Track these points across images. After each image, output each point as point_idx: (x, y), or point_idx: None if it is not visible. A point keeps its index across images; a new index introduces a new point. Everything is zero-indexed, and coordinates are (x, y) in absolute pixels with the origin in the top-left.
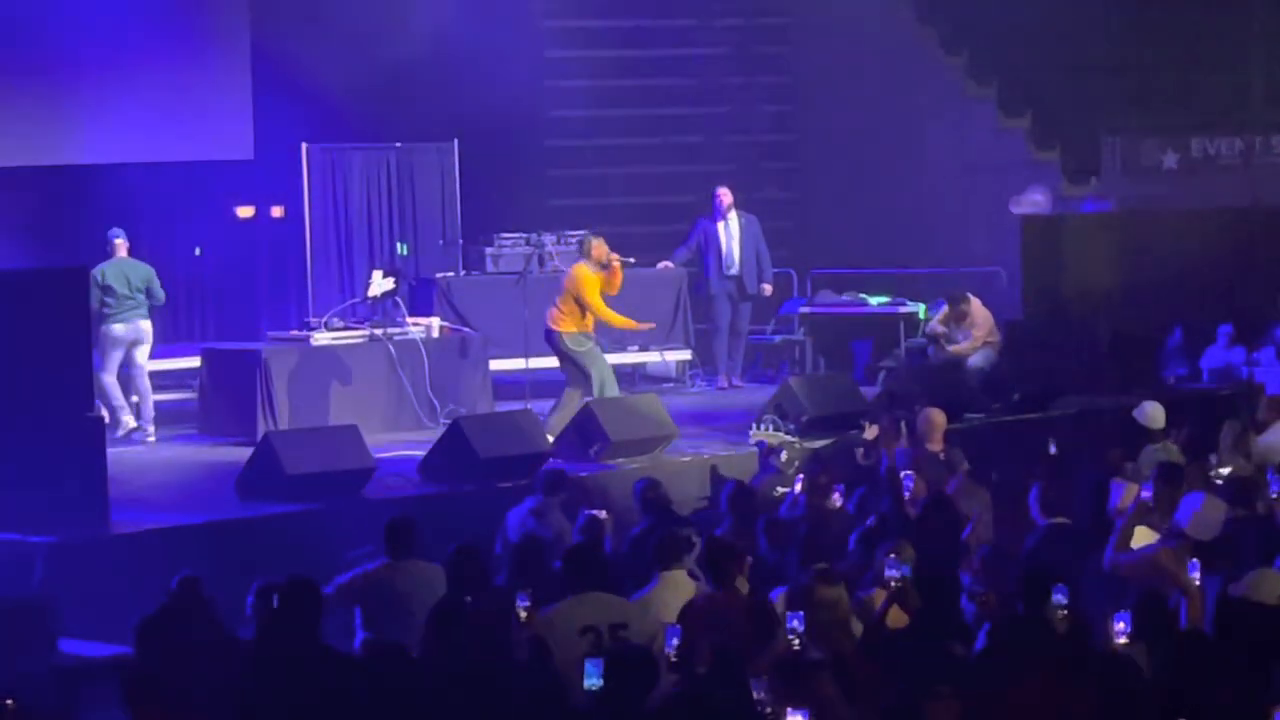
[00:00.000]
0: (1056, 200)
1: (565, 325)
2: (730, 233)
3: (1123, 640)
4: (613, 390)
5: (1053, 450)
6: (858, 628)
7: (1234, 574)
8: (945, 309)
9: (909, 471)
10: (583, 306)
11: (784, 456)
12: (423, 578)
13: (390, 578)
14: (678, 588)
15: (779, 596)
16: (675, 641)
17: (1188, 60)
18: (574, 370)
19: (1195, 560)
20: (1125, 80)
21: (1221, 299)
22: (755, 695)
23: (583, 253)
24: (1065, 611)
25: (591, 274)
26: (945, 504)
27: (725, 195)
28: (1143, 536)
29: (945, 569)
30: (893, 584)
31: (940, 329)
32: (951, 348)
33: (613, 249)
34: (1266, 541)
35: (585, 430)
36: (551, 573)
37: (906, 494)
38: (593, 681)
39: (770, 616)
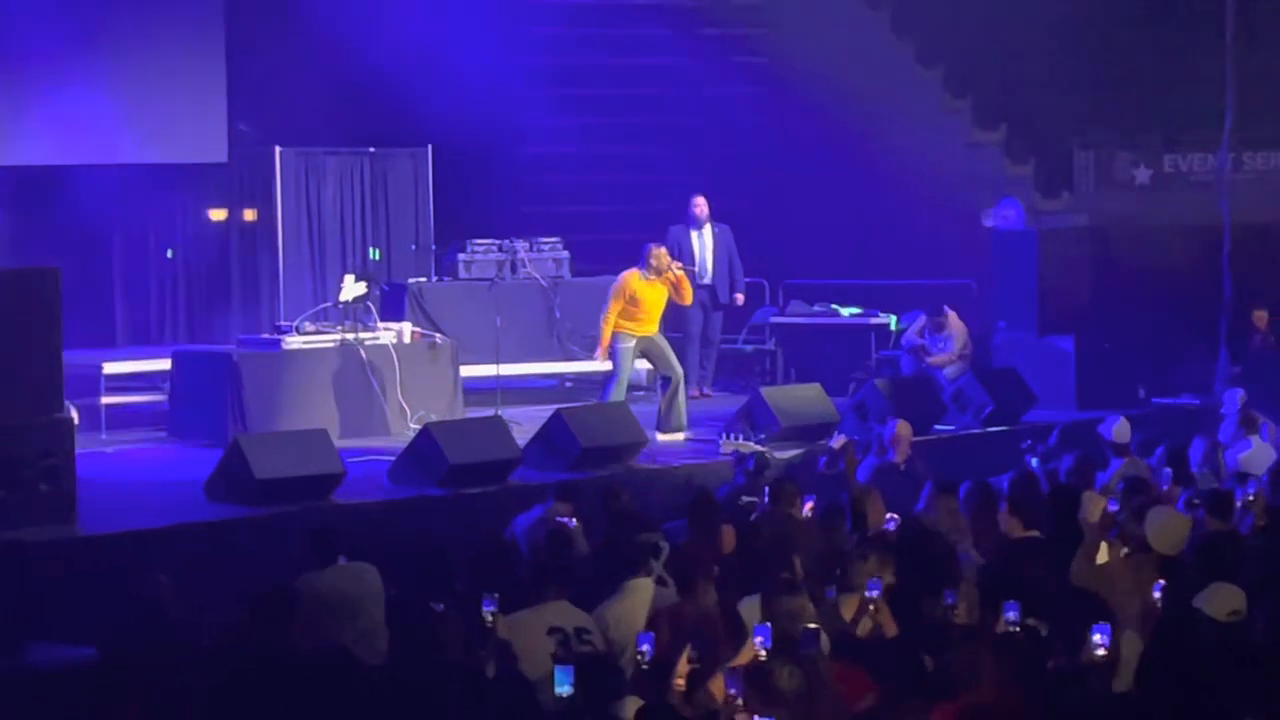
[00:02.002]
0: (1029, 214)
1: (616, 327)
2: (704, 242)
3: (1100, 653)
4: (619, 396)
5: (1033, 464)
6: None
7: (1197, 588)
8: (923, 320)
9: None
10: (635, 305)
11: (753, 466)
12: (351, 579)
13: (318, 583)
14: (644, 596)
15: (745, 606)
16: (647, 648)
17: (1160, 76)
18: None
19: (1161, 581)
20: (1098, 95)
21: (1193, 314)
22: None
23: (643, 261)
24: (1017, 628)
25: (640, 280)
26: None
27: (701, 205)
28: (1109, 550)
29: (925, 585)
30: (871, 606)
31: (919, 340)
32: (929, 359)
33: (586, 256)
34: (1231, 556)
35: (556, 437)
36: (517, 579)
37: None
38: (563, 689)
39: (738, 625)
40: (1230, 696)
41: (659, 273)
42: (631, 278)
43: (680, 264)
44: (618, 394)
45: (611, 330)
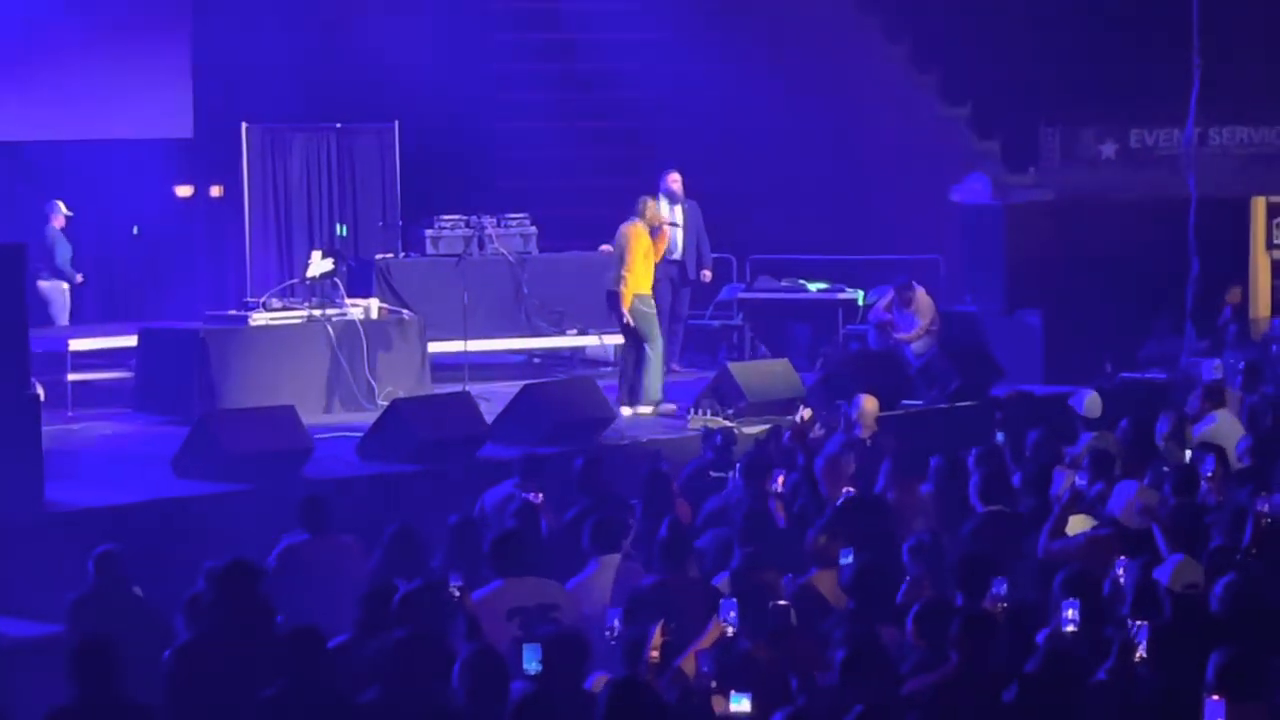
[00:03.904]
0: (995, 189)
1: (630, 287)
2: (675, 218)
3: (1070, 628)
4: (658, 355)
5: (1000, 440)
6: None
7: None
8: (890, 295)
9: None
10: (646, 259)
11: (720, 441)
12: (338, 551)
13: (306, 552)
14: (614, 572)
15: (721, 582)
16: (616, 623)
17: (1126, 50)
18: (630, 335)
19: (1123, 558)
20: (1064, 70)
21: (1159, 289)
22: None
23: (637, 213)
24: (1004, 604)
25: (643, 233)
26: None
27: (676, 180)
28: (1079, 525)
29: (879, 557)
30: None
31: (887, 315)
32: (897, 335)
33: (554, 232)
34: (1193, 530)
35: (524, 413)
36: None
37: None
38: (532, 666)
39: (716, 602)
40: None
41: (651, 224)
42: (635, 231)
43: (666, 219)
44: (658, 356)
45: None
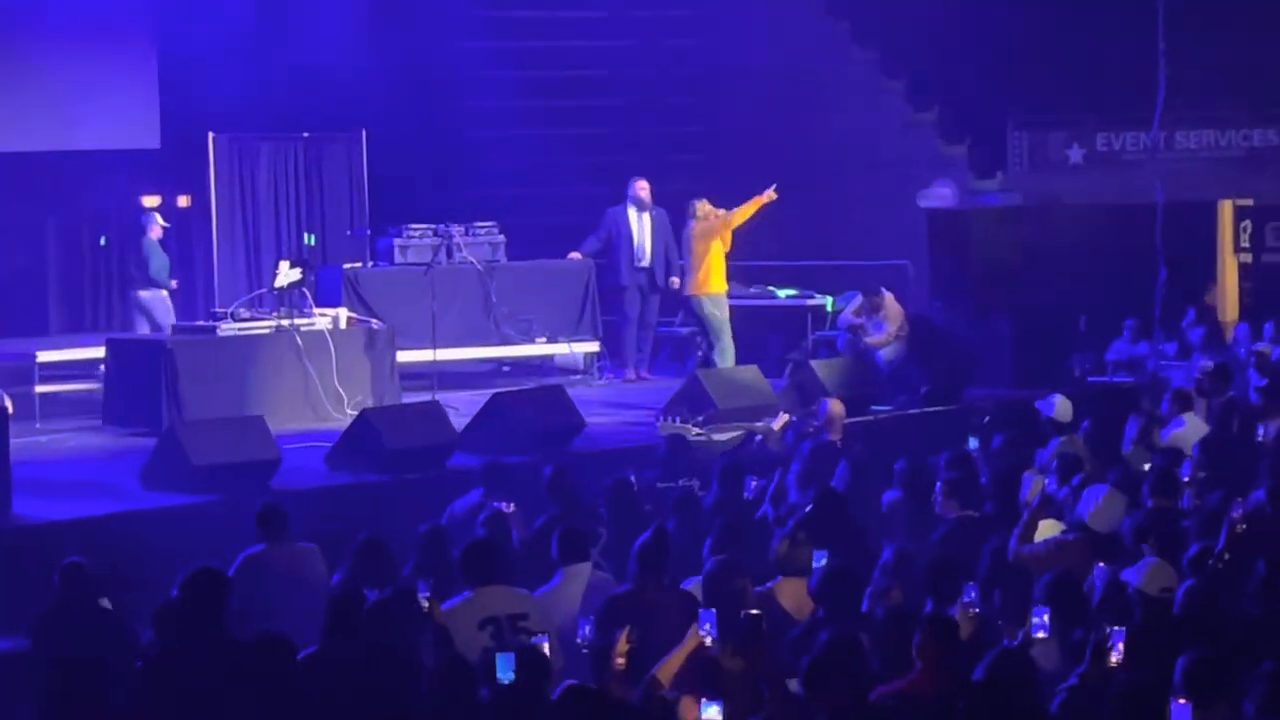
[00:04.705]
0: (963, 194)
1: (705, 289)
2: (643, 225)
3: (1040, 635)
4: (729, 361)
5: (973, 445)
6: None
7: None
8: (859, 300)
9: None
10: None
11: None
12: (299, 558)
13: (267, 559)
14: (583, 582)
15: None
16: (588, 630)
17: (1093, 55)
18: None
19: (1100, 564)
20: (1031, 75)
21: (1126, 292)
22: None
23: (690, 214)
24: (976, 610)
25: (706, 233)
26: (836, 498)
27: (645, 188)
28: (1048, 529)
29: (847, 563)
30: None
31: (856, 320)
32: (865, 340)
33: (522, 240)
34: (1169, 534)
35: (493, 421)
36: (454, 564)
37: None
38: (505, 675)
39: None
40: (1163, 671)
41: (708, 222)
42: (698, 232)
43: (722, 211)
44: (731, 356)
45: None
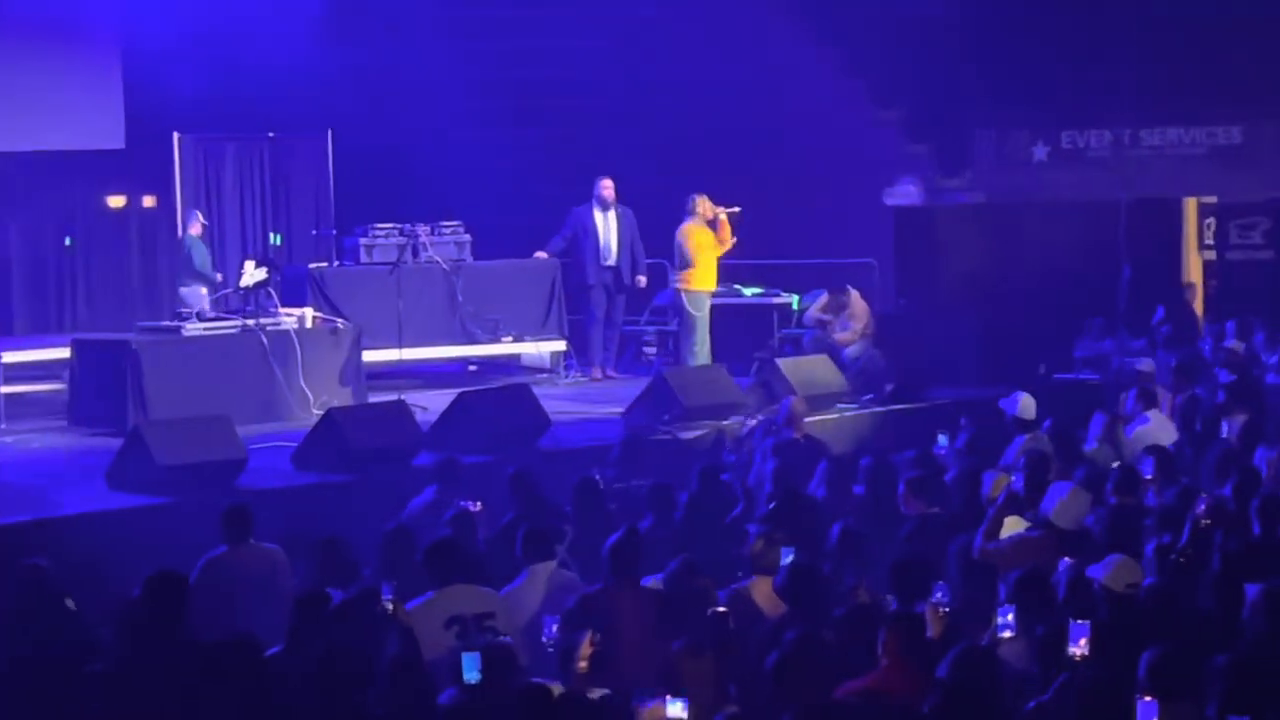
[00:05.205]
0: (928, 192)
1: (688, 284)
2: (609, 224)
3: (1008, 633)
4: (701, 361)
5: (942, 442)
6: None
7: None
8: (825, 298)
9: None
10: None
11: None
12: (264, 559)
13: (230, 562)
14: (548, 581)
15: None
16: (554, 629)
17: (1058, 53)
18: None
19: (1066, 559)
20: (996, 73)
21: (1092, 290)
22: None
23: (689, 211)
24: (945, 609)
25: (698, 230)
26: (800, 496)
27: (609, 187)
28: (1012, 526)
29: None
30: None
31: (823, 317)
32: (832, 337)
33: (489, 239)
34: (1128, 529)
35: (460, 421)
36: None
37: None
38: (471, 675)
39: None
40: (1129, 668)
41: (705, 219)
42: (694, 230)
43: (725, 207)
44: (705, 356)
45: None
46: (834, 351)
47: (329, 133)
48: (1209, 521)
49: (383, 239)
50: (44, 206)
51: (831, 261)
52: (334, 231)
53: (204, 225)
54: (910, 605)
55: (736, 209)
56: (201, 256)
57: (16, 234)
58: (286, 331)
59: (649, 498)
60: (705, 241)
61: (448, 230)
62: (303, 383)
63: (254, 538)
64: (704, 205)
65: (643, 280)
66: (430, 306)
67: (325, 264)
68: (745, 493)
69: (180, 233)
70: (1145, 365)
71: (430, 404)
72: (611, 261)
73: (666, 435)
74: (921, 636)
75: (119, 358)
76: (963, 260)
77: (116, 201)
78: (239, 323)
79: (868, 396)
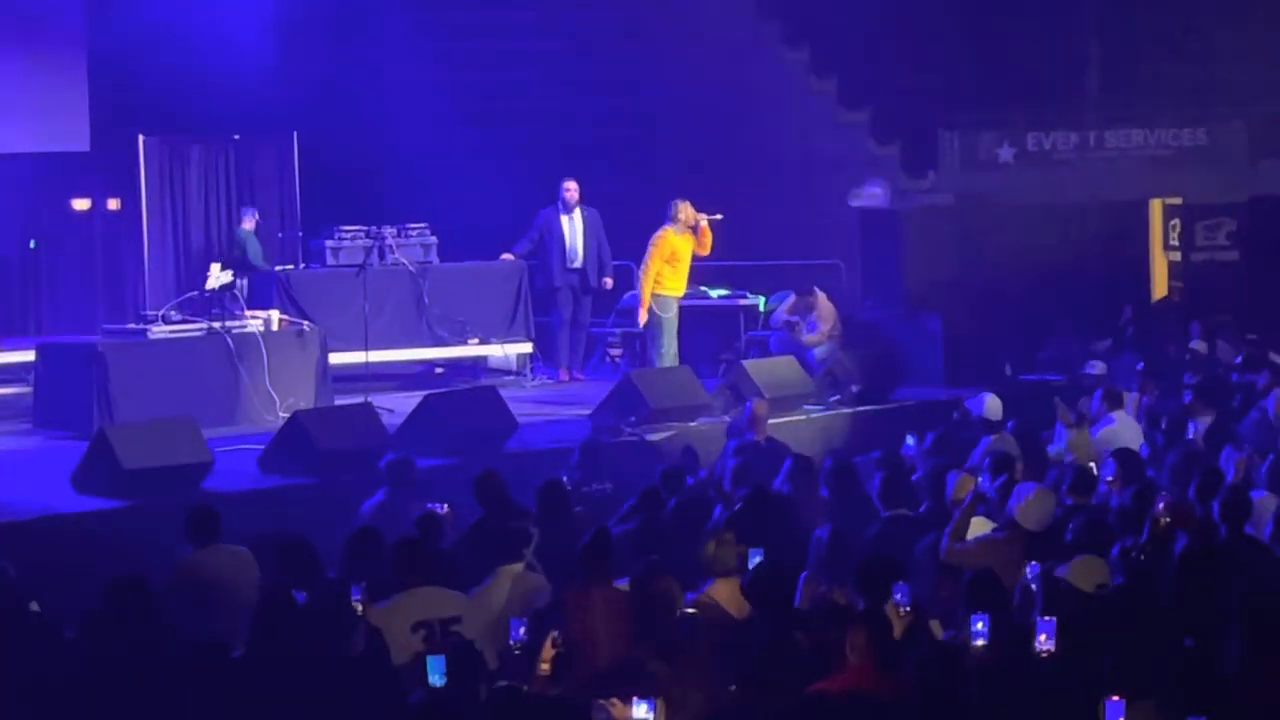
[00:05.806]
0: (894, 193)
1: (657, 288)
2: (574, 226)
3: (980, 641)
4: (667, 364)
5: (910, 442)
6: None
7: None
8: (792, 299)
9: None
10: (675, 261)
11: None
12: (232, 561)
13: (199, 564)
14: (515, 582)
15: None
16: (522, 632)
17: (1024, 54)
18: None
19: (1035, 563)
20: (962, 75)
21: (1059, 291)
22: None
23: (671, 217)
24: (907, 610)
25: (675, 236)
26: (770, 496)
27: (573, 189)
28: (979, 527)
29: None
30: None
31: (790, 319)
32: (800, 339)
33: (455, 242)
34: (1097, 530)
35: (426, 423)
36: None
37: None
38: (436, 678)
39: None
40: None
41: (688, 225)
42: (668, 235)
43: (706, 214)
44: (671, 358)
45: (652, 291)
46: (801, 353)
47: (295, 135)
48: (1168, 520)
49: (349, 241)
50: (8, 209)
51: (798, 263)
52: (300, 234)
53: (257, 220)
54: (878, 605)
55: (719, 216)
56: (255, 250)
57: None
58: (253, 334)
59: (640, 500)
60: (682, 248)
61: (414, 232)
62: (269, 385)
63: (221, 540)
64: (686, 211)
65: (609, 282)
66: (397, 309)
67: (291, 266)
68: (723, 496)
69: (143, 239)
70: (1098, 368)
71: (397, 406)
72: (578, 264)
73: (633, 437)
74: (889, 636)
75: (84, 361)
76: (929, 262)
77: (81, 204)
78: (205, 325)
79: (834, 398)
